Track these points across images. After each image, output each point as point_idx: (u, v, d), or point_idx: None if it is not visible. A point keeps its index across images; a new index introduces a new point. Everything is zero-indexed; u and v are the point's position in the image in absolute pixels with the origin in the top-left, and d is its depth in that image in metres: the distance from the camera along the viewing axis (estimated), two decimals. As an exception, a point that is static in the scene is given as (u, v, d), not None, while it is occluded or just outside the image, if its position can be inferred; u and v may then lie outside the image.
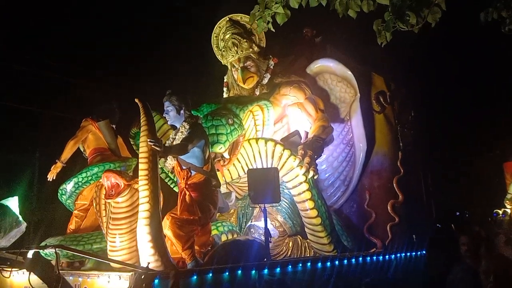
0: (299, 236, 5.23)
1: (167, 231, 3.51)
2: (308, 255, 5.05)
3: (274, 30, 3.85)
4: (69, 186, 4.68)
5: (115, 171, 3.75)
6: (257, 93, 5.84)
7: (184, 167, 3.75)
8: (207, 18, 6.20)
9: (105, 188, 3.67)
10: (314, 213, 4.66)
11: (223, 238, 4.66)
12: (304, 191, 4.65)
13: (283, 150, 4.74)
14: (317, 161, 6.07)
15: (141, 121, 3.50)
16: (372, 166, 5.87)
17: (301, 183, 4.66)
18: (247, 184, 5.57)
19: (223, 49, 5.89)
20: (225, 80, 6.21)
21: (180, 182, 3.76)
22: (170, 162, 3.84)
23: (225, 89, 6.20)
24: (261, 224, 4.77)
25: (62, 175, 4.90)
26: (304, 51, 6.38)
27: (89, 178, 4.62)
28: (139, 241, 3.22)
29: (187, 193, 3.65)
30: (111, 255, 3.59)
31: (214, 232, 4.67)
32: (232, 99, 5.03)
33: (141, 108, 3.53)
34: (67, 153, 4.90)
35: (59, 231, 4.95)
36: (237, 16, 5.98)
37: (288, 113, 5.71)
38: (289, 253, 5.16)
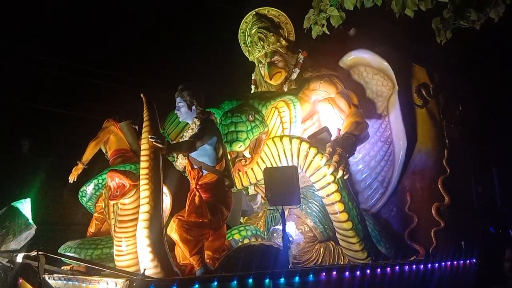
0: (331, 242, 4.83)
1: (174, 234, 3.27)
2: (341, 263, 4.65)
3: (329, 33, 4.02)
4: (89, 188, 4.59)
5: (120, 171, 3.58)
6: (286, 89, 5.51)
7: (195, 166, 3.50)
8: (234, 14, 5.93)
9: (110, 188, 3.50)
10: (344, 216, 4.24)
11: (246, 241, 4.36)
12: (332, 193, 4.25)
13: (309, 148, 4.36)
14: (353, 160, 5.68)
15: (144, 116, 3.29)
16: (414, 165, 5.35)
17: (329, 183, 4.26)
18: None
19: (249, 45, 5.63)
20: (252, 78, 5.94)
21: (191, 182, 3.51)
22: (181, 161, 3.62)
23: (252, 86, 5.93)
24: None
25: (84, 177, 4.82)
26: (336, 43, 5.96)
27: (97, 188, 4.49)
28: (138, 245, 3.00)
29: (197, 193, 3.39)
30: (117, 259, 3.41)
31: (236, 236, 4.39)
32: (255, 94, 4.74)
33: (145, 103, 3.33)
34: (88, 154, 4.83)
35: (80, 234, 4.86)
36: (264, 10, 5.69)
37: (319, 110, 5.31)
38: (320, 260, 4.76)
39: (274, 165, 4.61)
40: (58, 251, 4.15)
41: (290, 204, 3.72)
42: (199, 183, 3.44)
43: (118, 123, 4.88)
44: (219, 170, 3.53)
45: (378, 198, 5.43)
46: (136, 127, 5.17)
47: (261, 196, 5.25)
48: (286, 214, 5.07)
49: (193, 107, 3.64)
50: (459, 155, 5.55)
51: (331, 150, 4.34)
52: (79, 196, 4.70)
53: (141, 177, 3.12)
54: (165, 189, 3.56)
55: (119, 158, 4.76)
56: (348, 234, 4.28)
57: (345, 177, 4.32)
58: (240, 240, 4.30)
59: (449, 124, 5.68)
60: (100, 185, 4.58)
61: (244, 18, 5.76)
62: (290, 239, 4.29)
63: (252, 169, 4.69)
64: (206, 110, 3.73)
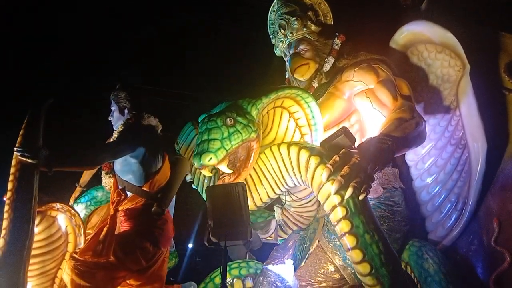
0: (369, 287, 3.46)
1: (65, 276, 2.47)
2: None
3: None
4: (78, 208, 4.09)
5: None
6: (315, 84, 4.35)
7: (119, 186, 2.68)
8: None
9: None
10: (357, 255, 2.90)
11: (237, 286, 3.32)
12: (339, 220, 2.96)
13: (309, 158, 3.16)
14: (415, 173, 4.25)
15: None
16: (504, 177, 3.63)
17: (334, 206, 2.98)
18: (308, 209, 4.17)
19: (272, 36, 4.64)
20: (286, 76, 4.89)
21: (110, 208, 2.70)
22: (106, 180, 2.83)
23: (286, 87, 4.87)
24: (278, 268, 3.27)
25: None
26: (389, 21, 4.56)
27: (88, 204, 3.94)
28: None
29: (108, 223, 2.55)
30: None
31: (234, 272, 3.38)
32: (249, 92, 3.71)
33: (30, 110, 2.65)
34: (87, 176, 4.37)
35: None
36: (292, -8, 4.63)
37: (358, 107, 4.02)
38: (350, 312, 3.45)
39: (279, 183, 3.53)
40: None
41: (236, 238, 2.60)
42: (120, 208, 2.61)
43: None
44: (148, 191, 2.64)
45: (452, 226, 3.82)
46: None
47: (284, 223, 4.15)
48: (314, 247, 3.94)
49: (126, 111, 2.85)
50: None
51: (338, 159, 3.06)
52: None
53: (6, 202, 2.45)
54: (62, 220, 2.80)
55: (113, 179, 4.20)
56: (366, 282, 2.91)
57: (361, 198, 2.98)
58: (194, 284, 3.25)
59: None
60: (92, 202, 4.05)
61: (271, 7, 4.78)
62: (279, 284, 3.11)
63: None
64: (145, 114, 2.89)
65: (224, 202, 2.56)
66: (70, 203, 4.48)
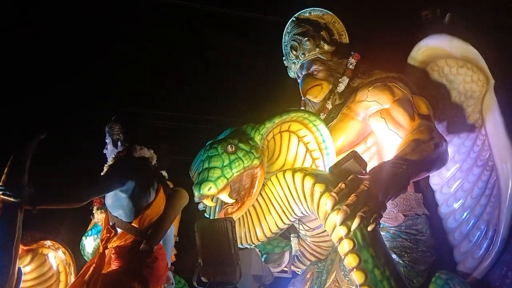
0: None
1: None
2: None
3: None
4: (85, 243, 4.05)
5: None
6: (329, 106, 4.15)
7: (110, 223, 2.58)
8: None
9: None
10: (366, 292, 2.64)
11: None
12: (346, 253, 2.71)
13: (314, 185, 2.95)
14: (440, 198, 3.94)
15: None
16: (540, 202, 3.27)
17: (340, 238, 2.74)
18: (324, 239, 3.94)
19: (284, 58, 4.51)
20: (302, 98, 4.72)
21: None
22: (97, 216, 2.75)
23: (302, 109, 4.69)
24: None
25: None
26: (407, 37, 4.33)
27: (95, 237, 3.88)
28: None
29: (94, 263, 2.44)
30: None
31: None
32: (254, 117, 3.57)
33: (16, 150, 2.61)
34: None
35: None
36: (305, 13, 4.49)
37: (374, 129, 3.78)
38: None
39: (286, 211, 3.33)
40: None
41: (226, 279, 2.40)
42: (110, 246, 2.50)
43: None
44: (137, 227, 2.52)
45: (483, 256, 3.46)
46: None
47: (301, 254, 3.92)
48: (331, 280, 3.68)
49: (119, 144, 2.77)
50: None
51: (344, 186, 2.84)
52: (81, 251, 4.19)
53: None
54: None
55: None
56: (377, 323, 2.63)
57: (369, 229, 2.73)
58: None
59: None
60: (98, 235, 4.01)
61: (285, 28, 4.66)
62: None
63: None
64: (137, 146, 2.80)
65: (212, 238, 2.40)
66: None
